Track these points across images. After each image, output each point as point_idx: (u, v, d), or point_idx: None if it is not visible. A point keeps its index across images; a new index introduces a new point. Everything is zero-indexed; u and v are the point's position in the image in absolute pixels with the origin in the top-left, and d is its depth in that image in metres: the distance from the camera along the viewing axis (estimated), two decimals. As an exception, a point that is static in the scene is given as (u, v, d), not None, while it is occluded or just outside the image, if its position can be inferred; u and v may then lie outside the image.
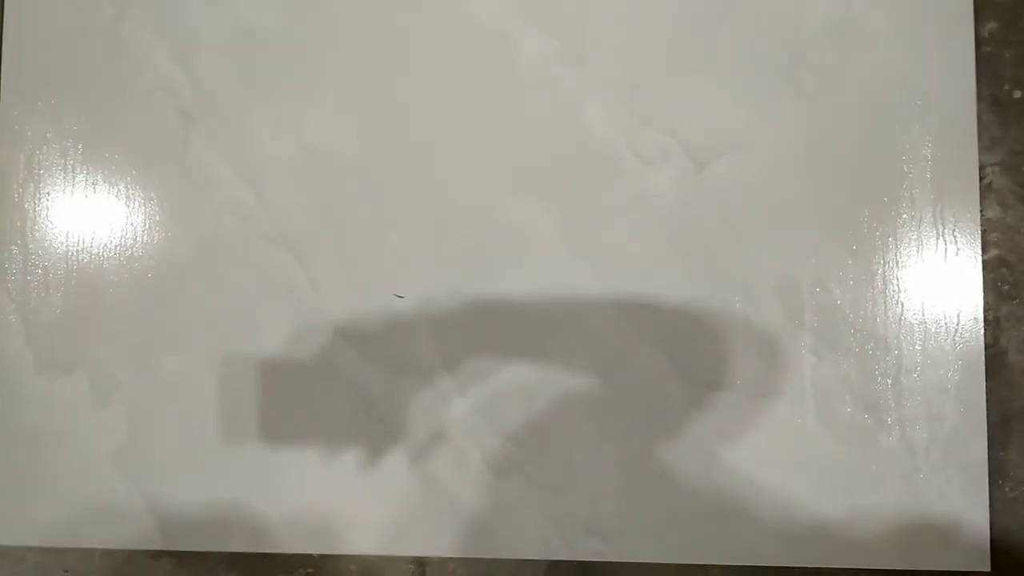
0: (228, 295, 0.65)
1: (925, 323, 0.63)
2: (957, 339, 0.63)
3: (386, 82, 0.65)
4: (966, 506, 0.61)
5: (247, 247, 0.65)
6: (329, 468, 0.63)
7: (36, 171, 0.67)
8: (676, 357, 0.63)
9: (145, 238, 0.66)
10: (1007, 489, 0.63)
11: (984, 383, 0.62)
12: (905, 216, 0.63)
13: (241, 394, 0.64)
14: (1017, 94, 0.65)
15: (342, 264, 0.64)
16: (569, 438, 0.63)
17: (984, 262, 0.63)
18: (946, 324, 0.63)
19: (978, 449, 0.62)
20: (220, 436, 0.64)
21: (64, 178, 0.67)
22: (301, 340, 0.64)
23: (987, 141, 0.64)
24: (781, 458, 0.62)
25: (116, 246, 0.66)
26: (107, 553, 0.66)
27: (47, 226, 0.66)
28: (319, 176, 0.65)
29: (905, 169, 0.64)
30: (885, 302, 0.63)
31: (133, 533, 0.64)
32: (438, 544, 0.63)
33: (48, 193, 0.67)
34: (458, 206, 0.64)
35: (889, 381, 0.63)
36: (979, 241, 0.63)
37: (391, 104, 0.65)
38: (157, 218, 0.66)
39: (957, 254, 0.63)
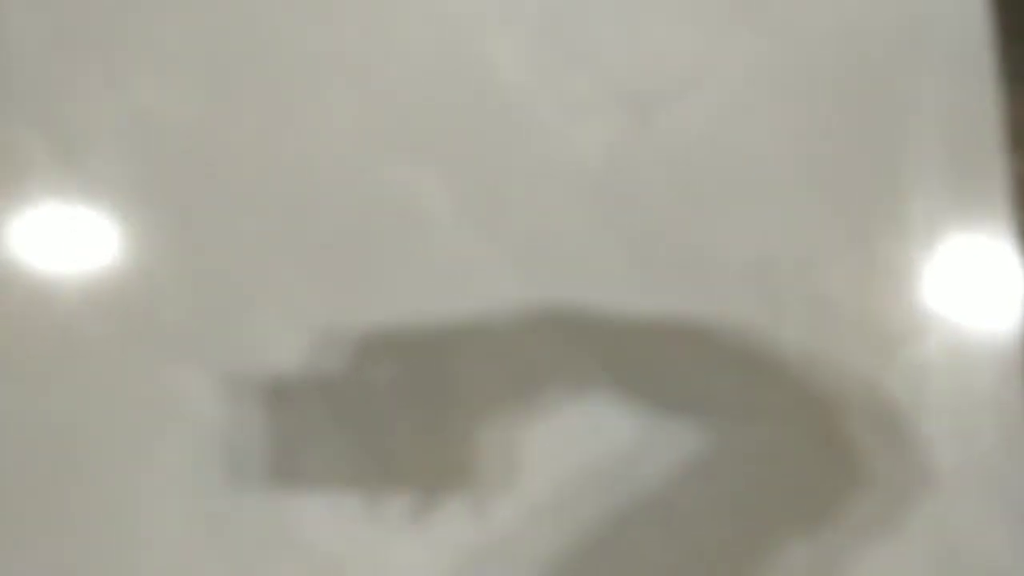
0: (29, 290, 0.54)
1: (945, 315, 0.56)
2: (987, 334, 0.55)
3: (232, 21, 0.58)
4: (1006, 539, 0.54)
5: (63, 242, 0.56)
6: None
7: None
8: (620, 371, 0.55)
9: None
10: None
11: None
12: (911, 177, 0.57)
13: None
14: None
15: (180, 262, 0.55)
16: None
17: (1017, 231, 0.56)
18: (973, 316, 0.56)
19: (1020, 472, 0.55)
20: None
21: None
22: (128, 364, 0.54)
23: (1009, 78, 0.57)
24: (769, 491, 0.54)
25: None
26: None
27: None
28: (149, 145, 0.57)
29: (908, 116, 0.58)
30: (893, 289, 0.56)
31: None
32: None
33: None
34: (328, 179, 0.57)
35: (903, 390, 0.55)
36: (1008, 205, 0.56)
37: (238, 50, 0.58)
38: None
39: (981, 225, 0.57)
